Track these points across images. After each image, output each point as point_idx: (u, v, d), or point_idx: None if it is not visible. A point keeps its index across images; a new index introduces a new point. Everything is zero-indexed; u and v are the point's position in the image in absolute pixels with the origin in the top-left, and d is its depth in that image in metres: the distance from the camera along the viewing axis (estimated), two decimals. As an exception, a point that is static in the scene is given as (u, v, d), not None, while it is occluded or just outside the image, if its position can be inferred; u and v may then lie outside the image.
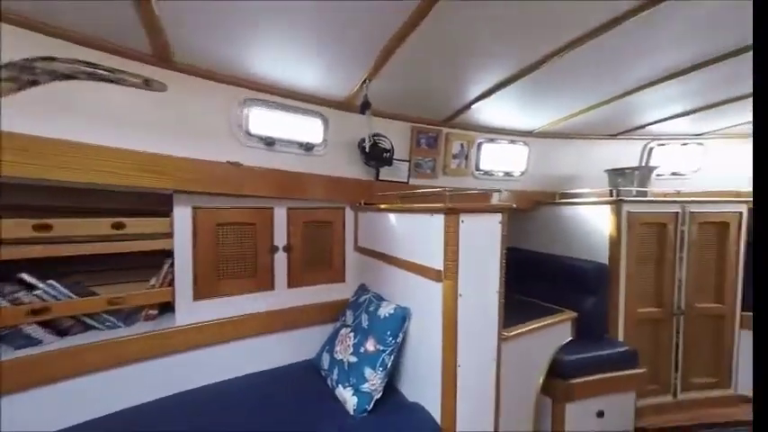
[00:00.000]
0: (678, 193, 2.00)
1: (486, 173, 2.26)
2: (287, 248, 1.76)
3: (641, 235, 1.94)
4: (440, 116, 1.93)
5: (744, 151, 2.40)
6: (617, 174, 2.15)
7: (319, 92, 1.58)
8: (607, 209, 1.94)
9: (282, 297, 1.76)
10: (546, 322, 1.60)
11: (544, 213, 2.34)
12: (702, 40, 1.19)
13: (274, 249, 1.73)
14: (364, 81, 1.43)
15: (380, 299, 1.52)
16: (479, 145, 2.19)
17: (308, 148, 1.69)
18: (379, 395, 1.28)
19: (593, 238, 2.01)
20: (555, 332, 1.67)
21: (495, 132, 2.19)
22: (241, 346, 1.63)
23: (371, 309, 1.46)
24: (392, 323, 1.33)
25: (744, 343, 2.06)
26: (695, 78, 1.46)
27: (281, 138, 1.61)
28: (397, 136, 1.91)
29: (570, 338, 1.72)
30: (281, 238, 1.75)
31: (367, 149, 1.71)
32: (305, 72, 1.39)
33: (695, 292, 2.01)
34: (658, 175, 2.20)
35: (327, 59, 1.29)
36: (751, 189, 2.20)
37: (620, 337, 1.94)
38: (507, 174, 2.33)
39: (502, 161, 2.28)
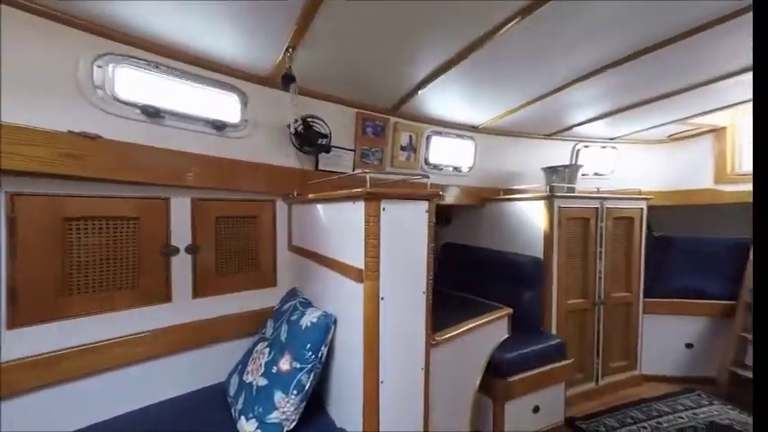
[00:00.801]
0: (598, 191, 2.19)
1: (435, 167, 2.19)
2: (191, 249, 1.39)
3: (569, 229, 2.06)
4: (387, 102, 1.78)
5: (647, 155, 2.81)
6: (551, 171, 2.27)
7: (237, 63, 1.31)
8: (542, 204, 2.01)
9: (186, 309, 1.38)
10: (481, 321, 1.48)
11: (490, 210, 2.37)
12: (609, 39, 1.25)
13: (171, 251, 1.34)
14: (287, 49, 1.19)
15: (307, 305, 1.26)
16: (428, 138, 2.10)
17: (218, 126, 1.36)
18: (292, 425, 1.01)
19: (532, 234, 2.07)
20: (491, 331, 1.58)
21: (443, 125, 2.13)
22: (120, 377, 1.23)
23: (294, 318, 1.19)
24: (314, 334, 1.09)
25: (646, 327, 2.32)
26: (604, 80, 1.57)
27: (175, 111, 1.27)
28: (339, 121, 1.70)
29: (506, 336, 1.66)
30: (182, 237, 1.37)
31: (293, 130, 1.46)
32: (214, 35, 1.12)
33: (611, 283, 2.21)
34: (584, 175, 2.40)
35: (244, 23, 1.05)
36: (650, 189, 2.55)
37: (554, 329, 2.00)
38: (456, 169, 2.29)
39: (450, 155, 2.24)
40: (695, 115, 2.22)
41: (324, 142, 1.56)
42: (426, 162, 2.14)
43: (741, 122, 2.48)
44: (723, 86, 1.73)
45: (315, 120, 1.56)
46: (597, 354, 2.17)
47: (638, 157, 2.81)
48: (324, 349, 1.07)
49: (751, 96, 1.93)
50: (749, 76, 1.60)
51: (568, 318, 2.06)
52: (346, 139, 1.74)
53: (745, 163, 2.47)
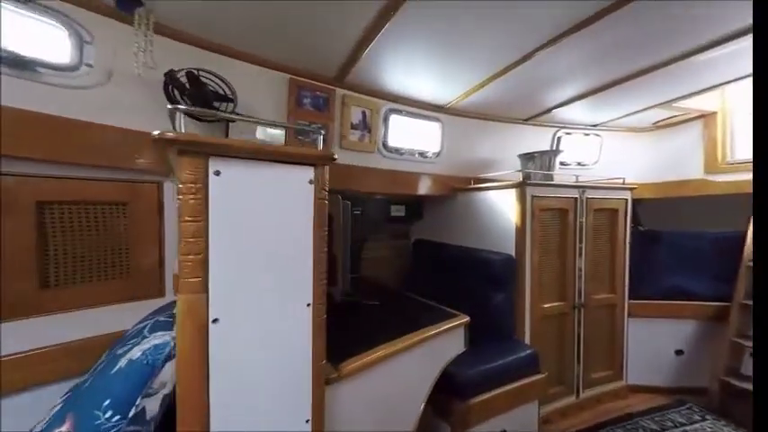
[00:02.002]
0: (576, 179, 1.94)
1: (396, 151, 1.91)
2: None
3: (545, 222, 1.80)
4: (329, 68, 1.50)
5: (632, 144, 2.59)
6: (527, 158, 2.03)
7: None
8: (513, 193, 1.75)
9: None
10: (422, 336, 1.11)
11: (461, 201, 2.11)
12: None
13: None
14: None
15: (165, 326, 0.82)
16: (386, 116, 1.82)
17: (21, 65, 0.94)
18: None
19: (503, 227, 1.81)
20: (439, 346, 1.22)
21: (404, 102, 1.86)
22: None
23: (122, 350, 0.77)
24: (120, 383, 0.69)
25: (631, 332, 2.08)
26: (579, 46, 1.33)
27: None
28: (264, 89, 1.41)
29: (463, 349, 1.34)
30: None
31: (171, 87, 1.08)
32: None
33: (593, 283, 1.96)
34: (565, 165, 2.17)
35: None
36: (635, 181, 2.32)
37: (527, 336, 1.74)
38: (422, 154, 2.02)
39: (414, 139, 1.97)
40: (682, 97, 1.99)
41: (221, 107, 1.21)
42: (385, 145, 1.87)
43: (733, 106, 2.28)
44: (713, 60, 1.50)
45: (207, 74, 1.17)
46: (578, 362, 1.93)
47: (622, 147, 2.59)
48: (144, 403, 0.66)
49: (745, 72, 1.71)
50: (745, 44, 1.38)
51: (544, 323, 1.81)
52: (275, 112, 1.45)
53: (739, 150, 2.26)
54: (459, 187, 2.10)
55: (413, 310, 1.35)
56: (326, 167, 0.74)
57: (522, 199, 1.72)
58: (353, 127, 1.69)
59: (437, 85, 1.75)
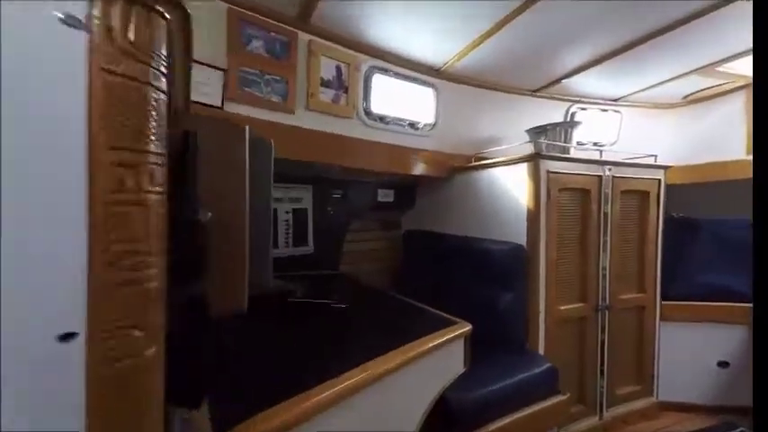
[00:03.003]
0: (600, 155, 1.61)
1: (381, 119, 1.57)
2: None
3: (563, 205, 1.47)
4: (288, 2, 1.16)
5: (658, 123, 2.24)
6: (538, 133, 1.69)
7: None
8: (524, 169, 1.42)
9: None
10: (405, 357, 0.75)
11: (461, 183, 1.77)
12: None
13: None
14: None
15: None
16: (369, 75, 1.49)
17: None
18: None
19: (512, 212, 1.48)
20: (427, 369, 0.86)
21: (389, 60, 1.52)
22: None
23: None
24: None
25: (664, 339, 1.75)
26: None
27: None
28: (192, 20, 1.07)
29: (462, 370, 0.98)
30: None
31: None
32: None
33: (619, 281, 1.63)
34: (580, 144, 1.84)
35: None
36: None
37: (542, 346, 1.40)
38: (412, 125, 1.68)
39: (403, 106, 1.63)
40: (720, 61, 1.66)
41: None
42: (367, 111, 1.54)
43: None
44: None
45: None
46: (601, 376, 1.59)
47: (647, 125, 2.24)
48: None
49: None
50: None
51: (562, 329, 1.47)
52: (211, 52, 1.10)
53: (789, 124, 1.92)
54: (459, 166, 1.77)
55: (394, 316, 1.01)
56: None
57: (535, 176, 1.38)
58: (325, 84, 1.36)
59: (430, 40, 1.43)
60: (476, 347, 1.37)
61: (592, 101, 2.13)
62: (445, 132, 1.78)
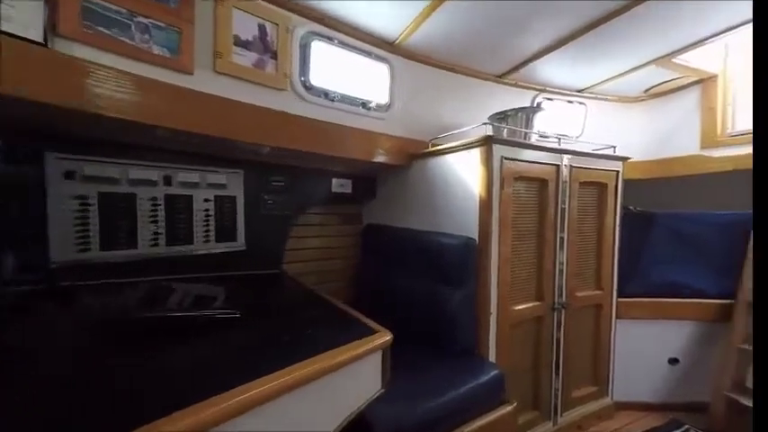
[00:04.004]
0: (559, 142, 1.51)
1: (325, 95, 1.37)
2: None
3: (519, 196, 1.35)
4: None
5: (621, 116, 2.21)
6: (499, 118, 1.57)
7: None
8: (477, 154, 1.28)
9: None
10: (283, 379, 0.55)
11: (417, 171, 1.60)
12: None
13: None
14: None
15: None
16: (306, 42, 1.28)
17: None
18: None
19: (465, 202, 1.33)
20: (329, 393, 0.66)
21: (330, 24, 1.32)
22: None
23: None
24: None
25: (619, 335, 1.70)
26: None
27: None
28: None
29: (378, 389, 0.78)
30: None
31: None
32: None
33: (576, 277, 1.54)
34: (543, 136, 1.75)
35: None
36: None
37: (493, 350, 1.28)
38: (364, 104, 1.49)
39: (352, 81, 1.44)
40: (681, 49, 1.61)
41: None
42: (306, 84, 1.33)
43: (735, 66, 1.94)
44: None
45: None
46: (557, 378, 1.50)
47: (611, 118, 2.20)
48: None
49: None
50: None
51: (515, 331, 1.36)
52: None
53: (740, 121, 1.93)
54: (416, 153, 1.61)
55: (300, 327, 0.80)
56: None
57: (487, 162, 1.24)
58: (241, 43, 1.12)
59: (381, 6, 1.25)
60: (422, 353, 1.23)
61: (557, 90, 2.05)
62: (402, 115, 1.61)
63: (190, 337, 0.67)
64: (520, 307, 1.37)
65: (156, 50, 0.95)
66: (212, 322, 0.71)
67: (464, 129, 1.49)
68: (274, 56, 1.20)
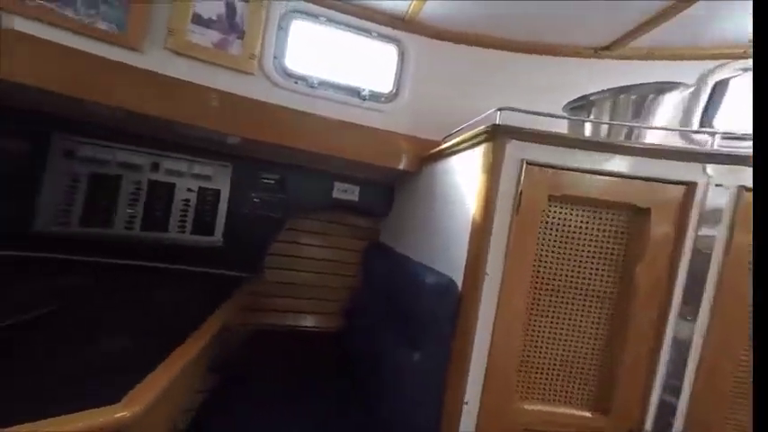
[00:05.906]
0: (711, 144, 0.82)
1: (305, 81, 1.20)
2: None
3: (562, 228, 0.80)
4: None
5: None
6: (582, 108, 0.99)
7: None
8: (479, 154, 0.83)
9: None
10: None
11: (425, 179, 1.26)
12: None
13: None
14: None
15: None
16: (285, 21, 1.17)
17: None
18: None
19: (453, 226, 0.91)
20: None
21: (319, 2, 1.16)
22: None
23: None
24: None
25: None
26: None
27: None
28: None
29: None
30: None
31: None
32: None
33: (714, 392, 0.80)
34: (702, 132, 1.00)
35: None
36: None
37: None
38: (359, 94, 1.27)
39: (347, 66, 1.25)
40: None
41: None
42: (283, 70, 1.19)
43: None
44: None
45: None
46: None
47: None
48: None
49: None
50: None
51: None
52: None
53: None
54: (424, 155, 1.24)
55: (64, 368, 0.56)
56: None
57: (492, 167, 0.77)
58: (202, 21, 1.06)
59: None
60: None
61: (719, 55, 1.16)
62: (412, 106, 1.29)
63: None
64: (541, 408, 0.81)
65: (103, 26, 0.96)
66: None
67: (476, 118, 1.01)
68: (241, 36, 1.11)
